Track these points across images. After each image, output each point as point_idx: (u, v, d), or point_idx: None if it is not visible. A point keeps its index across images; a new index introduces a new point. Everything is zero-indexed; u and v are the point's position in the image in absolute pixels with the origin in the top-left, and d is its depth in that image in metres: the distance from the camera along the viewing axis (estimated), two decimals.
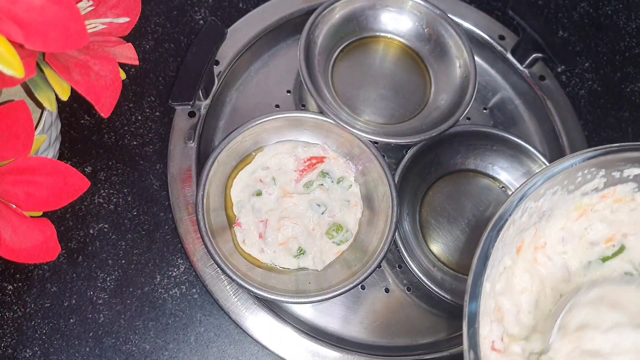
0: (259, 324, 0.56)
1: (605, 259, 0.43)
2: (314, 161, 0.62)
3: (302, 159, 0.62)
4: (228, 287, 0.57)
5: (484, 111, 0.72)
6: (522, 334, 0.40)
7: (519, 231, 0.41)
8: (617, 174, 0.44)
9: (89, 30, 0.44)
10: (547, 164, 0.63)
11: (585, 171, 0.42)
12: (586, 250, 0.44)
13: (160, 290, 0.58)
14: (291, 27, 0.70)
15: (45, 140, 0.51)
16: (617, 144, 0.42)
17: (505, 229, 0.38)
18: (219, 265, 0.54)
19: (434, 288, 0.57)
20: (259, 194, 0.60)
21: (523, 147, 0.64)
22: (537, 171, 0.41)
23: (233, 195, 0.61)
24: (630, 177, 0.44)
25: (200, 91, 0.61)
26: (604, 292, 0.40)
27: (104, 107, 0.42)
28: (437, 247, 0.63)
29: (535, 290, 0.42)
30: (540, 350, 0.39)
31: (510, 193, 0.65)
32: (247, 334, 0.56)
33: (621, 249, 0.44)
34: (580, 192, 0.44)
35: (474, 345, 0.34)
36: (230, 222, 0.60)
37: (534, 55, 0.69)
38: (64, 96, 0.42)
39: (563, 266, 0.43)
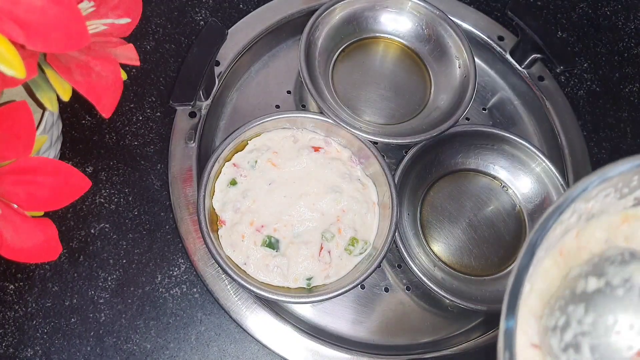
0: (260, 323, 0.57)
1: None
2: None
3: (302, 142, 0.63)
4: (229, 287, 0.57)
5: (483, 111, 0.72)
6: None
7: (564, 233, 0.40)
8: None
9: (90, 31, 0.44)
10: (547, 163, 0.63)
11: None
12: None
13: (161, 289, 0.59)
14: (291, 28, 0.71)
15: (46, 141, 0.51)
16: None
17: (553, 228, 0.36)
18: (219, 265, 0.55)
19: (434, 287, 0.58)
20: (233, 182, 0.60)
21: (523, 146, 0.64)
22: (592, 172, 0.39)
23: (216, 189, 0.60)
24: None
25: (200, 92, 0.61)
26: None
27: (105, 107, 0.43)
28: (438, 246, 0.63)
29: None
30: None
31: (510, 192, 0.66)
32: (248, 333, 0.57)
33: None
34: (634, 196, 0.40)
35: (510, 345, 0.33)
36: (213, 220, 0.59)
37: (533, 55, 0.70)
38: (65, 97, 0.42)
39: None
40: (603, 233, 0.41)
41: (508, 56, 0.72)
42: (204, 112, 0.63)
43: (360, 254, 0.59)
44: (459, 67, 0.68)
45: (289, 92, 0.69)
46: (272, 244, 0.57)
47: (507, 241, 0.64)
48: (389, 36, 0.71)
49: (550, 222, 0.36)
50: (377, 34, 0.71)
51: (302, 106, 0.68)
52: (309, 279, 0.57)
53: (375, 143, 0.61)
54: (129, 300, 0.58)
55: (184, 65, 0.60)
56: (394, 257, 0.63)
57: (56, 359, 0.55)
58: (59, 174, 0.43)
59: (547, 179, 0.64)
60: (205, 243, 0.55)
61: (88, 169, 0.62)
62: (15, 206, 0.42)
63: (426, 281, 0.58)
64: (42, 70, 0.41)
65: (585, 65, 0.77)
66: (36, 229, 0.43)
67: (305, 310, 0.60)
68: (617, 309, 0.35)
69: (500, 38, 0.73)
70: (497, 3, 0.78)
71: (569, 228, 0.39)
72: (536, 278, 0.39)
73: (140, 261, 0.59)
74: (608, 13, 0.82)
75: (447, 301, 0.58)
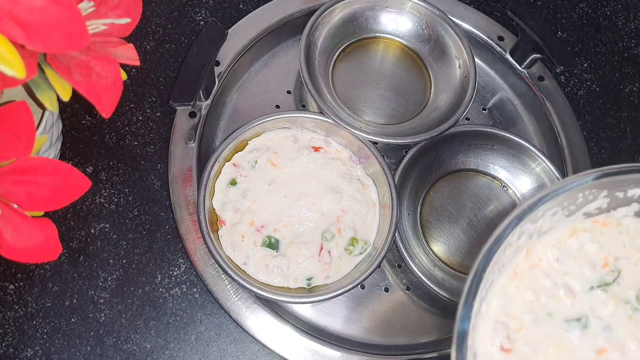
0: (260, 323, 0.57)
1: (606, 285, 0.42)
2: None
3: (302, 142, 0.63)
4: (229, 287, 0.57)
5: (483, 111, 0.72)
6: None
7: (516, 252, 0.41)
8: (620, 194, 0.42)
9: (90, 31, 0.44)
10: (547, 163, 0.63)
11: (587, 192, 0.40)
12: (585, 274, 0.42)
13: (161, 289, 0.59)
14: (291, 28, 0.71)
15: (46, 141, 0.51)
16: (619, 166, 0.40)
17: (500, 251, 0.37)
18: (219, 265, 0.55)
19: (434, 287, 0.58)
20: (233, 182, 0.60)
21: (523, 146, 0.64)
22: (537, 193, 0.39)
23: (216, 190, 0.60)
24: (635, 198, 0.42)
25: (200, 92, 0.61)
26: None
27: (105, 107, 0.42)
28: (438, 246, 0.63)
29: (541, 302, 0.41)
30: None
31: (510, 192, 0.66)
32: (248, 333, 0.57)
33: (619, 275, 0.42)
34: (582, 212, 0.42)
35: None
36: (213, 221, 0.59)
37: (533, 55, 0.70)
38: (65, 97, 0.42)
39: (565, 286, 0.42)
40: (554, 251, 0.42)
41: (508, 56, 0.72)
42: (204, 112, 0.63)
43: (360, 254, 0.59)
44: (459, 67, 0.68)
45: (289, 92, 0.69)
46: (272, 244, 0.57)
47: None
48: (389, 36, 0.71)
49: (495, 247, 0.38)
50: (377, 34, 0.71)
51: (302, 106, 0.68)
52: (309, 279, 0.57)
53: (375, 143, 0.61)
54: (129, 300, 0.58)
55: (184, 65, 0.60)
56: (394, 257, 0.63)
57: (56, 359, 0.55)
58: (59, 174, 0.43)
59: (547, 179, 0.64)
60: (205, 243, 0.55)
61: (88, 169, 0.62)
62: (15, 206, 0.42)
63: (426, 281, 0.58)
64: (42, 70, 0.41)
65: (585, 65, 0.77)
66: (36, 229, 0.43)
67: (305, 310, 0.60)
68: None
69: (500, 38, 0.73)
70: (497, 3, 0.78)
71: (520, 248, 0.41)
72: (492, 296, 0.40)
73: (140, 261, 0.59)
74: (608, 13, 0.82)
75: (447, 301, 0.58)
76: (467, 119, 0.71)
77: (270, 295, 0.54)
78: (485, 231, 0.64)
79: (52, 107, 0.43)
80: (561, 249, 0.42)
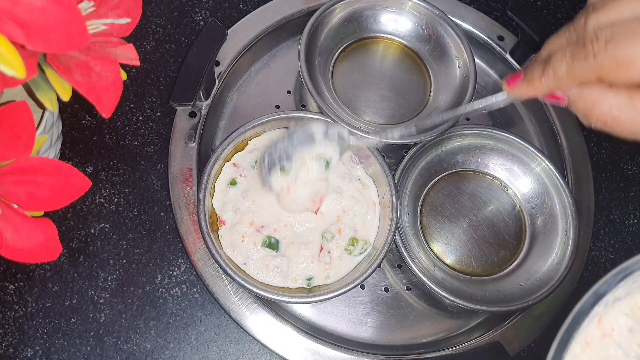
0: (260, 323, 0.57)
1: None
2: None
3: None
4: (229, 287, 0.57)
5: (483, 111, 0.72)
6: None
7: (590, 320, 0.40)
8: None
9: (90, 31, 0.44)
10: (547, 163, 0.63)
11: None
12: None
13: (161, 289, 0.59)
14: (291, 28, 0.71)
15: (46, 141, 0.51)
16: None
17: (585, 323, 0.37)
18: (219, 265, 0.55)
19: (434, 287, 0.58)
20: (233, 182, 0.60)
21: (523, 146, 0.64)
22: (619, 266, 0.38)
23: (216, 190, 0.60)
24: None
25: (200, 92, 0.61)
26: None
27: (105, 107, 0.42)
28: (438, 246, 0.63)
29: None
30: None
31: (510, 192, 0.66)
32: (248, 333, 0.57)
33: None
34: None
35: None
36: (213, 221, 0.59)
37: (533, 55, 0.70)
38: (65, 97, 0.42)
39: (637, 358, 0.42)
40: (626, 320, 0.41)
41: (508, 56, 0.72)
42: (204, 112, 0.63)
43: (361, 254, 0.59)
44: (459, 67, 0.68)
45: (289, 92, 0.69)
46: (272, 245, 0.57)
47: (507, 241, 0.64)
48: (389, 36, 0.71)
49: (581, 320, 0.37)
50: (377, 34, 0.71)
51: (302, 106, 0.68)
52: (309, 279, 0.57)
53: None
54: (129, 300, 0.58)
55: (184, 65, 0.60)
56: (394, 257, 0.63)
57: (56, 359, 0.55)
58: (59, 174, 0.43)
59: (547, 179, 0.64)
60: (205, 243, 0.55)
61: (88, 169, 0.62)
62: (15, 206, 0.42)
63: (426, 281, 0.58)
64: (42, 70, 0.41)
65: None
66: (36, 229, 0.43)
67: (305, 310, 0.60)
68: None
69: (500, 38, 0.73)
70: (497, 3, 0.78)
71: (594, 315, 0.39)
72: None
73: (140, 261, 0.59)
74: None
75: (447, 301, 0.58)
76: (467, 119, 0.71)
77: (270, 295, 0.54)
78: (485, 231, 0.64)
79: (52, 107, 0.43)
80: (634, 318, 0.41)
